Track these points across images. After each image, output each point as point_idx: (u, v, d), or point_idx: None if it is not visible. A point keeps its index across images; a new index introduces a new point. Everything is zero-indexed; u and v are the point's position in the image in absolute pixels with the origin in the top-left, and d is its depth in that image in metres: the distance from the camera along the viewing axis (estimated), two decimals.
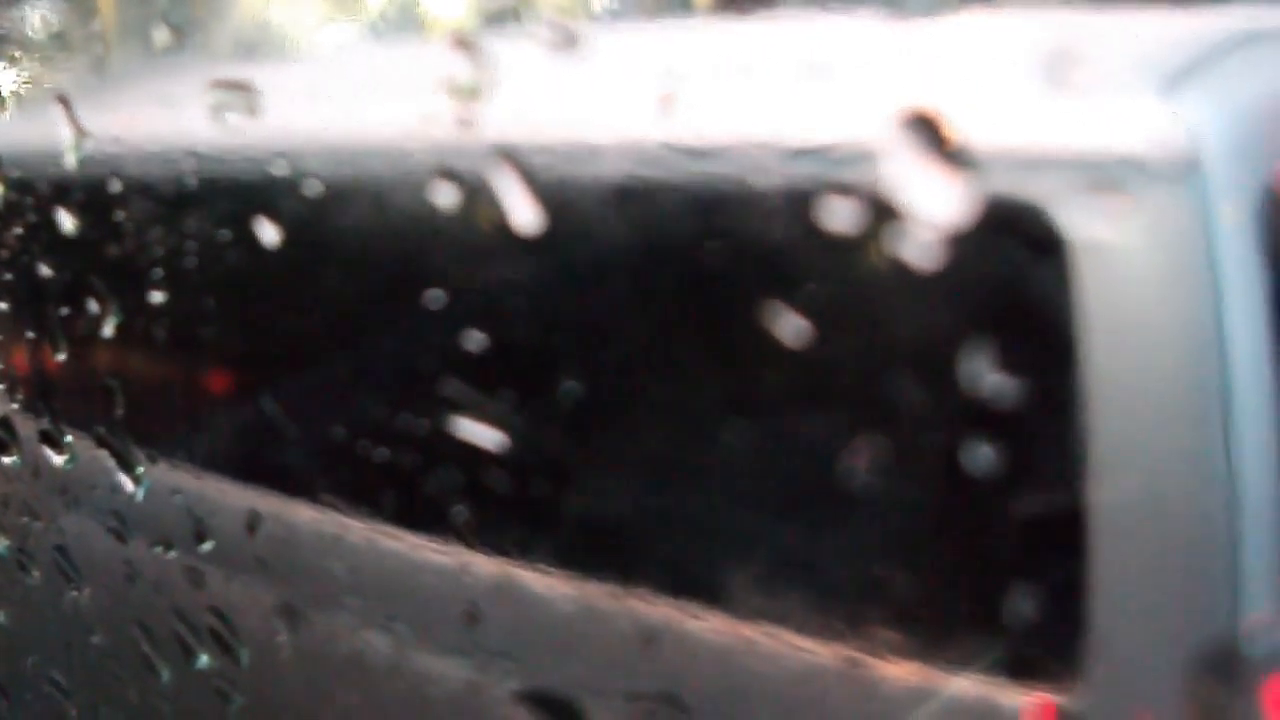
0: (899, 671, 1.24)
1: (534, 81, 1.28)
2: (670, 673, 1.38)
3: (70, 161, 1.80)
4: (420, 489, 1.61)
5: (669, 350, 1.46)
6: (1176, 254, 1.10)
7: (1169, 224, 1.10)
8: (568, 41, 1.20)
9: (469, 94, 1.27)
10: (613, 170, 1.39)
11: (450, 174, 1.36)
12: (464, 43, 1.26)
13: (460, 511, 1.53)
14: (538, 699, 1.38)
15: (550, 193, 1.28)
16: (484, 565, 1.56)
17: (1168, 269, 1.11)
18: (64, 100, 1.79)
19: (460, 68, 1.25)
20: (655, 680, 1.38)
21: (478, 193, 1.33)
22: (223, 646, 1.77)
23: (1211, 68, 1.19)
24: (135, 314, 1.88)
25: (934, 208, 1.01)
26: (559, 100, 1.41)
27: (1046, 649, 1.16)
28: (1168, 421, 1.11)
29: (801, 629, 1.29)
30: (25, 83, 2.32)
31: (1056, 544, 1.16)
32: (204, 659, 1.82)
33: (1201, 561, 1.11)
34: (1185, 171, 1.10)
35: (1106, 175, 1.10)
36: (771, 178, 1.24)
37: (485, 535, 1.54)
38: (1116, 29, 1.27)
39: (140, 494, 1.86)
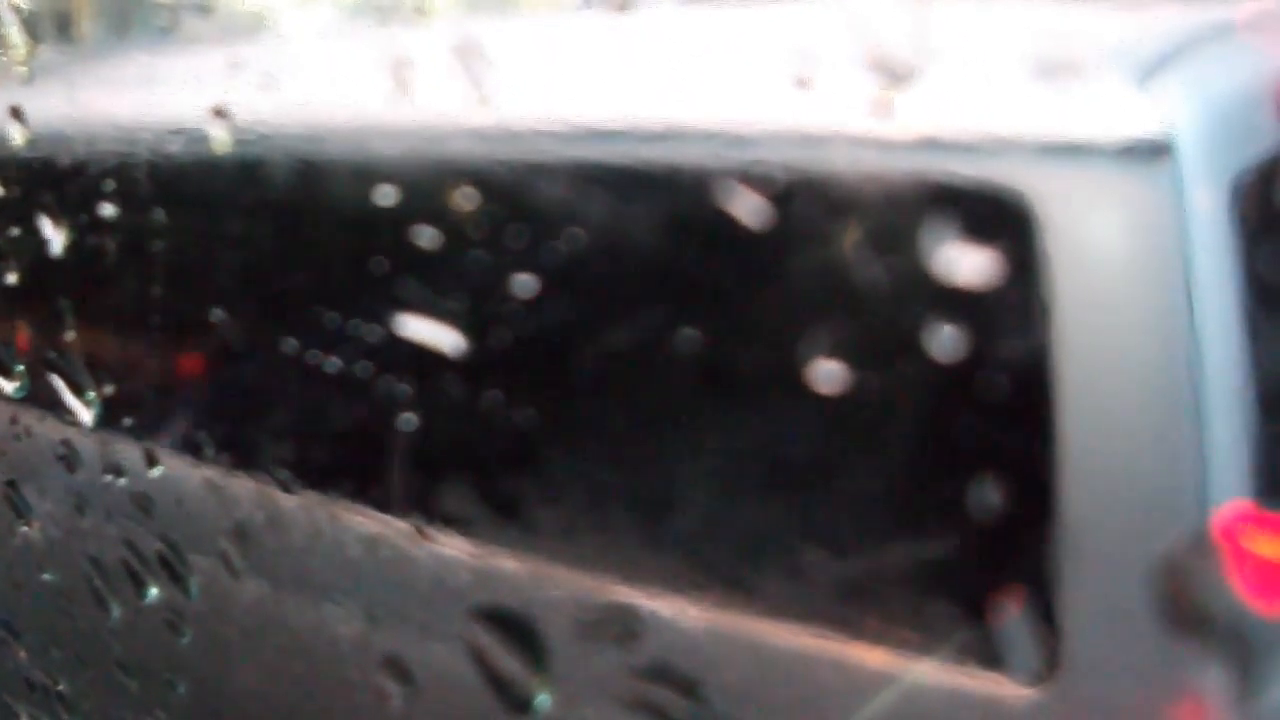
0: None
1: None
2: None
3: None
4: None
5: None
6: (1150, 238, 1.13)
7: (1143, 209, 1.13)
8: None
9: None
10: None
11: None
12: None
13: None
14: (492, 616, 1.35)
15: None
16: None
17: (1141, 252, 1.13)
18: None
19: None
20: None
21: None
22: (172, 576, 1.73)
23: (1187, 58, 1.21)
24: (89, 235, 1.84)
25: None
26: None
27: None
28: (1140, 402, 1.13)
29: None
30: None
31: (1027, 532, 1.16)
32: (153, 592, 1.77)
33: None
34: (1160, 158, 1.12)
35: (1083, 161, 1.13)
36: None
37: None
38: (1095, 20, 1.31)
39: (90, 419, 1.81)
